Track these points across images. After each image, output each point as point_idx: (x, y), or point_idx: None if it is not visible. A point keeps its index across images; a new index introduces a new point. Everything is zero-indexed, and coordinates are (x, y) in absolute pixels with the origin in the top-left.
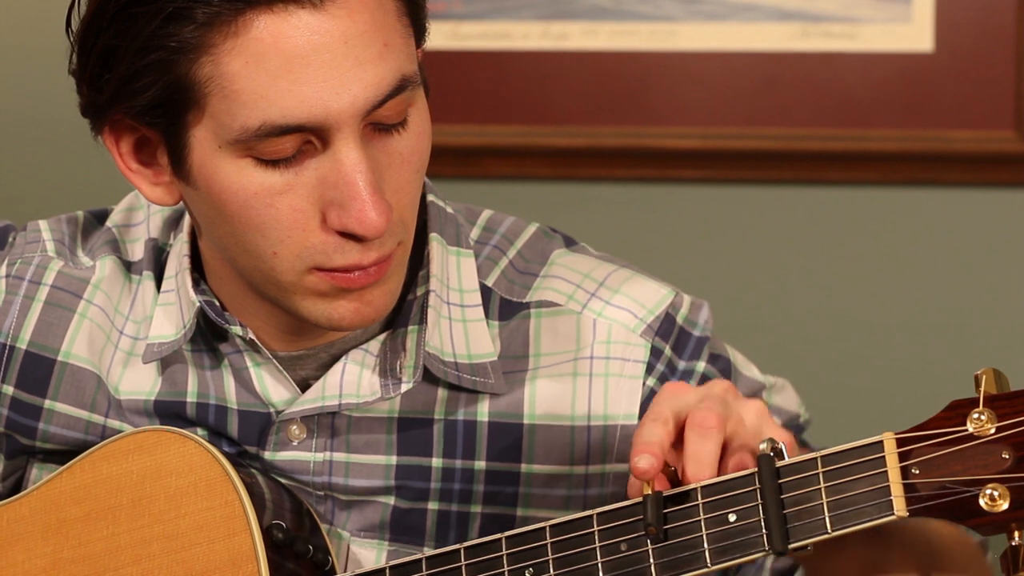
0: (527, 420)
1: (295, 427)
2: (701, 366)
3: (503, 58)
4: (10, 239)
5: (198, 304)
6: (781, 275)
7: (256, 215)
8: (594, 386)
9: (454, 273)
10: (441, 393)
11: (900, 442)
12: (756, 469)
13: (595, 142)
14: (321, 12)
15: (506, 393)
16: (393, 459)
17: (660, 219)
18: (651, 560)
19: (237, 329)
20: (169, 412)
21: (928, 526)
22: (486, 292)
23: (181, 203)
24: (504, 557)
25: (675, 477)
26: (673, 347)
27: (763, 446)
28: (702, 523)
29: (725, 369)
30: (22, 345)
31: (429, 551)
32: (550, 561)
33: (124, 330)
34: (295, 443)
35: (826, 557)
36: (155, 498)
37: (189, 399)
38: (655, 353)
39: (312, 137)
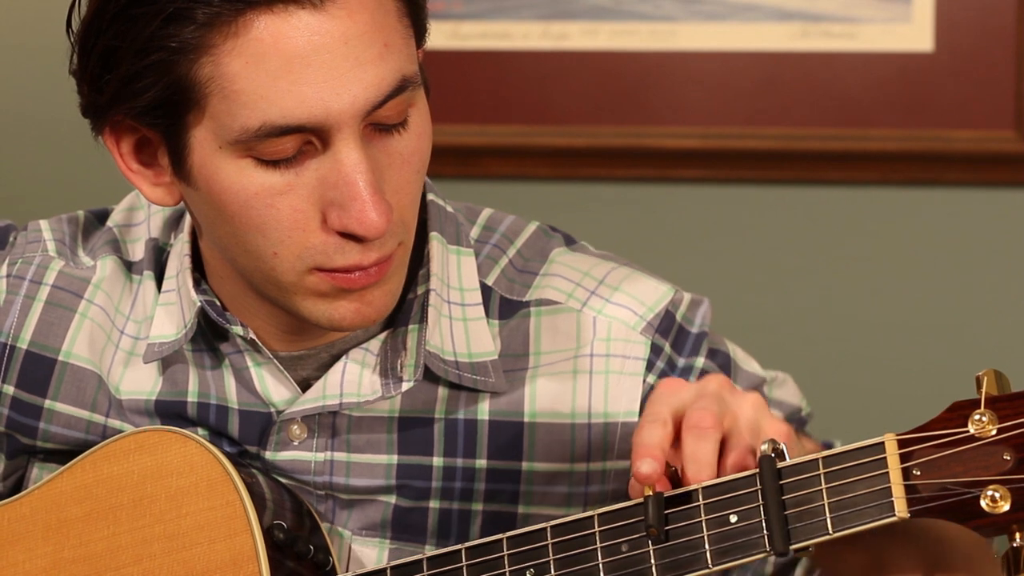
0: (528, 418)
1: (296, 427)
2: (700, 362)
3: (503, 58)
4: (11, 239)
5: (199, 304)
6: (781, 275)
7: (256, 215)
8: (594, 384)
9: (454, 272)
10: (442, 392)
11: (901, 443)
12: (757, 470)
13: (595, 142)
14: (321, 12)
15: (507, 391)
16: (394, 458)
17: (660, 219)
18: (652, 561)
19: (238, 329)
20: (170, 412)
21: (934, 520)
22: (486, 291)
23: (182, 203)
24: (505, 557)
25: (676, 476)
26: (673, 344)
27: (764, 447)
28: (703, 524)
29: (724, 364)
30: (23, 345)
31: (430, 551)
32: (551, 561)
33: (125, 330)
34: (296, 443)
35: (835, 553)
36: (156, 498)
37: (190, 399)
38: (655, 350)
39: (312, 137)
